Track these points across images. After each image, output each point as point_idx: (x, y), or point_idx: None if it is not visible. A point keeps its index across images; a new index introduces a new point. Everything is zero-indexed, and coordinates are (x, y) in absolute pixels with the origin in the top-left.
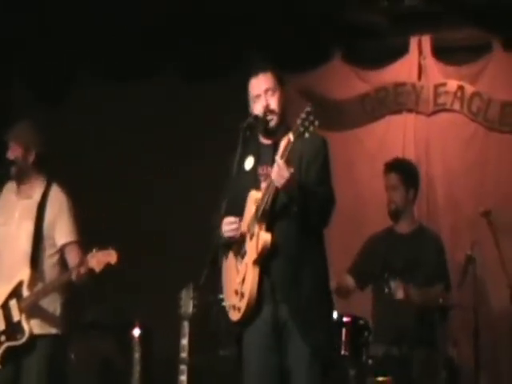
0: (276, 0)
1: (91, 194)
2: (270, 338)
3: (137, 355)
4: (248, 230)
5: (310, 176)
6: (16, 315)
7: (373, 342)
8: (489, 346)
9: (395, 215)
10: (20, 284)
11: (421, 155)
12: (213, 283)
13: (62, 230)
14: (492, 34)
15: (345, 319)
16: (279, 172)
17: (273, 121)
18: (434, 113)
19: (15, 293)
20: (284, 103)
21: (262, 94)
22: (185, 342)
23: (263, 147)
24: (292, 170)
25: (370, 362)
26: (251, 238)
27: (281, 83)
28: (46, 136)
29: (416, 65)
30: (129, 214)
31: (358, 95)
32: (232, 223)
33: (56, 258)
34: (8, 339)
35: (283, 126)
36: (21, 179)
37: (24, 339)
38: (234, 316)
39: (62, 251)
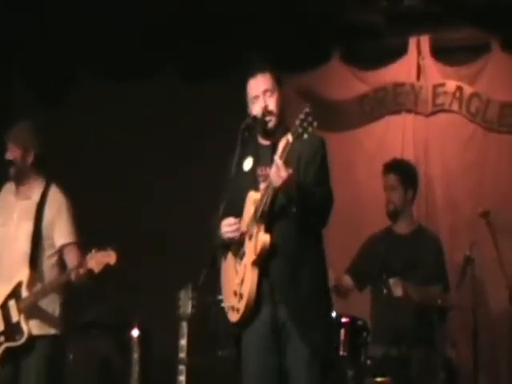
0: (276, 0)
1: (91, 194)
2: (269, 338)
3: (135, 355)
4: (247, 230)
5: (308, 176)
6: (15, 316)
7: (371, 342)
8: (487, 346)
9: (394, 216)
10: (19, 285)
11: (419, 156)
12: (212, 284)
13: (60, 231)
14: (491, 35)
15: (343, 320)
16: (277, 172)
17: (271, 122)
18: (433, 113)
19: (14, 293)
20: (282, 104)
21: (261, 94)
22: (183, 342)
23: (262, 148)
24: (291, 170)
25: (368, 362)
26: (250, 239)
27: (279, 84)
28: (46, 136)
29: (415, 65)
30: (129, 214)
31: (357, 95)
32: (232, 224)
33: (55, 258)
34: (7, 340)
35: (282, 127)
36: (19, 180)
37: (23, 340)
38: (233, 317)
39: (60, 252)
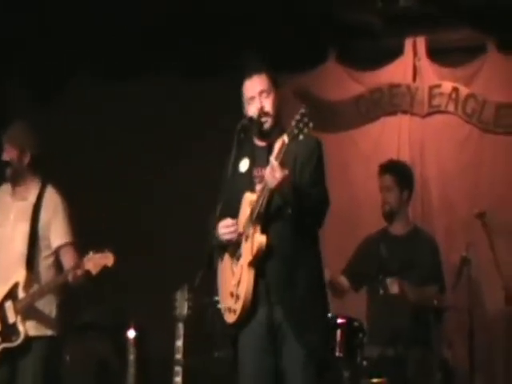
0: (276, 0)
1: (91, 194)
2: (265, 339)
3: (132, 356)
4: (243, 232)
5: (304, 177)
6: (11, 317)
7: (367, 343)
8: (484, 347)
9: (389, 216)
10: (15, 285)
11: (415, 157)
12: (208, 285)
13: (57, 232)
14: (486, 36)
15: (339, 321)
16: (272, 173)
17: (267, 123)
18: (429, 114)
19: (11, 294)
20: (278, 105)
21: (257, 95)
22: (180, 343)
23: (258, 149)
24: (286, 171)
25: (364, 363)
26: (246, 240)
27: (275, 85)
28: (46, 136)
29: (411, 66)
30: (128, 214)
31: (353, 96)
32: (230, 226)
33: (51, 259)
34: (3, 341)
35: (278, 128)
36: (16, 181)
37: (19, 341)
38: (230, 318)
39: (57, 253)
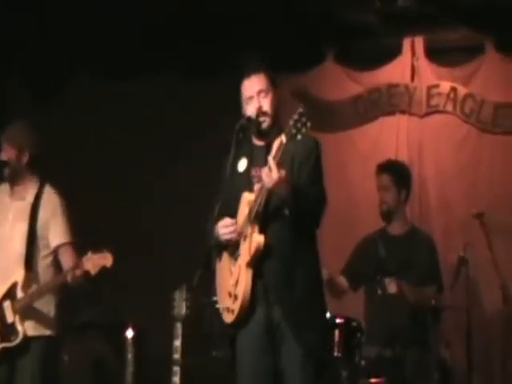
0: (276, 0)
1: (91, 194)
2: (264, 339)
3: (130, 356)
4: (241, 231)
5: (301, 177)
6: (10, 317)
7: (365, 343)
8: (481, 347)
9: (387, 216)
10: (14, 285)
11: (413, 157)
12: (207, 285)
13: (55, 232)
14: (485, 36)
15: (338, 320)
16: (269, 173)
17: (265, 122)
18: (427, 114)
19: (9, 294)
20: (277, 105)
21: (255, 95)
22: (178, 343)
23: (256, 149)
24: (283, 171)
25: (362, 363)
26: (244, 240)
27: (274, 84)
28: (46, 136)
29: (409, 66)
30: (128, 214)
31: (351, 96)
32: (229, 225)
33: (50, 259)
34: (2, 341)
35: (276, 128)
36: (14, 181)
37: (18, 341)
38: (228, 318)
39: (56, 252)
